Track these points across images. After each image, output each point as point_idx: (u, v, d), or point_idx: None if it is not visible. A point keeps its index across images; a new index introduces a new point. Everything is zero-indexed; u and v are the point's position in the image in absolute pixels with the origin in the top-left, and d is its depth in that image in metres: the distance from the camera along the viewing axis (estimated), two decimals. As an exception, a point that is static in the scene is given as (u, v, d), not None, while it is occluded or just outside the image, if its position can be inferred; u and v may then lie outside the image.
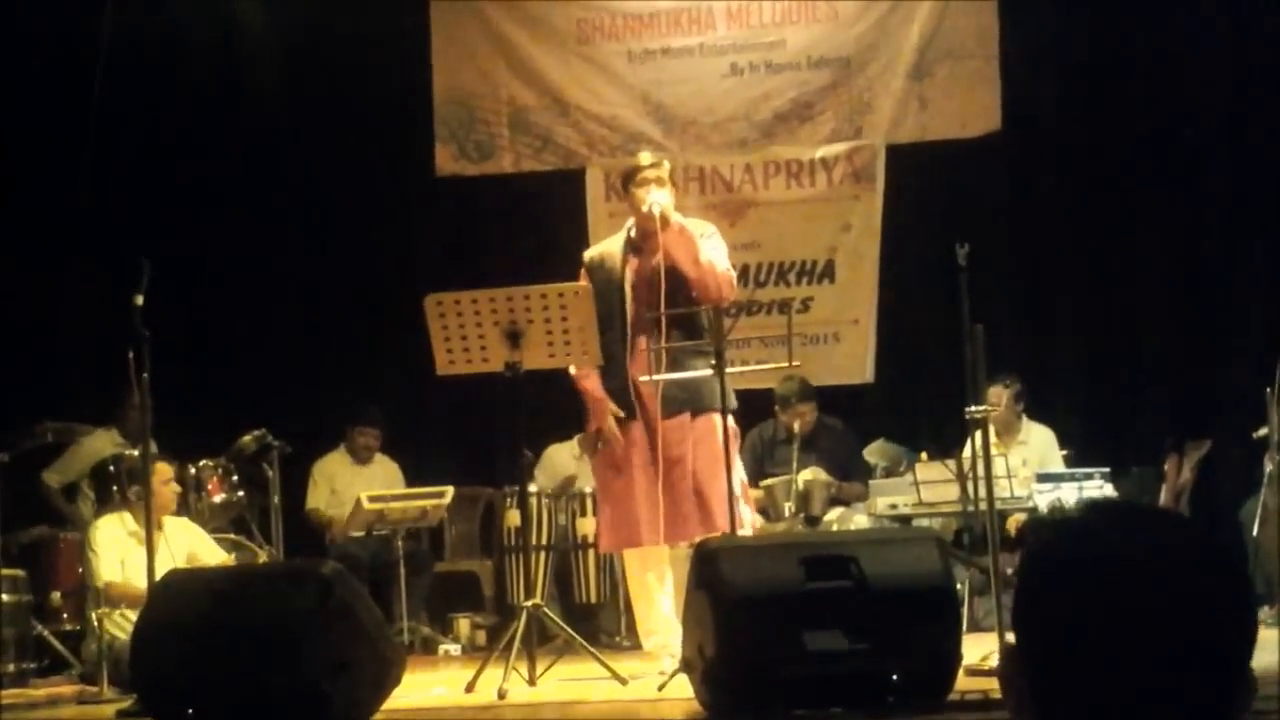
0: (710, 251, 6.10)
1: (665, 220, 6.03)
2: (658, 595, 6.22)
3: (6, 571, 7.30)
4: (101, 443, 8.15)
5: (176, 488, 7.10)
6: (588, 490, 8.22)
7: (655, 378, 5.95)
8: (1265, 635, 1.40)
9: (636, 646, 7.02)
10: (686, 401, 6.03)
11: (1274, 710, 3.17)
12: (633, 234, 6.26)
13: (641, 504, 6.05)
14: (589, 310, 5.85)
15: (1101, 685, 1.30)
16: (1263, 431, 7.60)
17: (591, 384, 6.19)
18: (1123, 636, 1.29)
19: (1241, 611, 1.33)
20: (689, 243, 6.07)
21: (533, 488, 7.97)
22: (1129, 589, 1.30)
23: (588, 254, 6.42)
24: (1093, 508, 1.42)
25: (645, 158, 6.41)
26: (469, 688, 5.55)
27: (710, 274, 6.04)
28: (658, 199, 6.07)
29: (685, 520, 5.97)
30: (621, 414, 6.12)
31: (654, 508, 5.99)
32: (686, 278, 6.05)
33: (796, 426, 8.21)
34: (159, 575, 5.40)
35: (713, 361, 5.79)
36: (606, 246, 6.38)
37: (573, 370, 6.22)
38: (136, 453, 7.08)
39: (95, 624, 6.52)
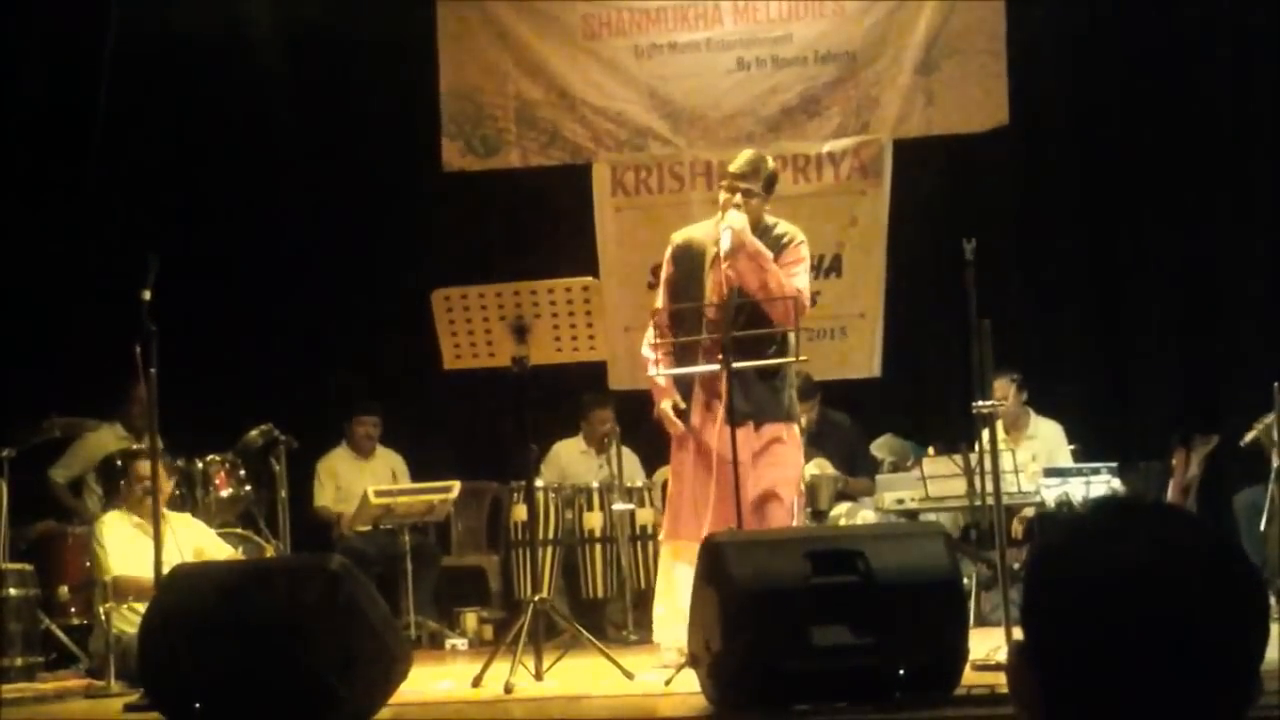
0: (783, 274, 5.99)
1: (738, 245, 5.95)
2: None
3: (14, 566, 7.31)
4: (107, 438, 8.16)
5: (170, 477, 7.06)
6: (594, 485, 8.23)
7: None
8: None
9: (643, 641, 7.02)
10: (750, 414, 5.97)
11: (1276, 705, 3.15)
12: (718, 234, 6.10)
13: (693, 498, 6.02)
14: (596, 305, 5.84)
15: (1109, 681, 1.30)
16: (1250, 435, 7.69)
17: (656, 371, 6.15)
18: (1131, 633, 1.29)
19: (1252, 610, 1.33)
20: (759, 270, 5.98)
21: (539, 482, 7.97)
22: (1138, 586, 1.30)
23: (675, 235, 6.35)
24: (1102, 504, 1.42)
25: (737, 163, 6.19)
26: (476, 682, 5.56)
27: (779, 298, 5.93)
28: (732, 222, 5.97)
29: (732, 524, 5.76)
30: (683, 405, 6.09)
31: (704, 505, 5.95)
32: (756, 299, 5.99)
33: (802, 422, 8.19)
34: (167, 568, 5.41)
35: (775, 382, 5.85)
36: (695, 231, 6.31)
37: (646, 353, 6.20)
38: (141, 447, 7.13)
39: (103, 618, 6.52)
